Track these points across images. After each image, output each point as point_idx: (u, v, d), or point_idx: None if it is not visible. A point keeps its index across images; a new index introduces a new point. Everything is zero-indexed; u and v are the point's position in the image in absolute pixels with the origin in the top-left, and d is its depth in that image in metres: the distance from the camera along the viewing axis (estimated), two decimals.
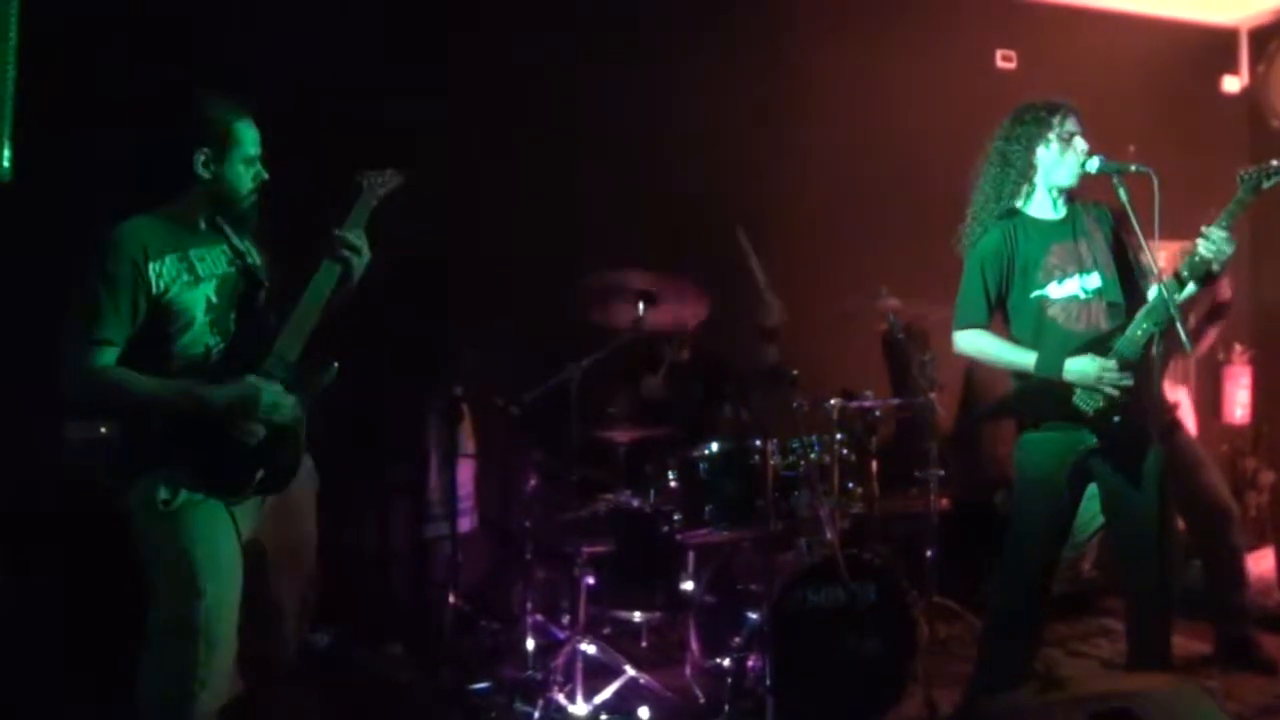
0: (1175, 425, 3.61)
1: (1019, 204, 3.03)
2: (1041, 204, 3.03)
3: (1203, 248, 2.75)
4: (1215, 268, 2.76)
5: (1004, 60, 5.41)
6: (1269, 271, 5.47)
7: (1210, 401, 5.60)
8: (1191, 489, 3.73)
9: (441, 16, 4.37)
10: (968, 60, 5.32)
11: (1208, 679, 3.44)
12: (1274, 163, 2.74)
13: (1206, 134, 5.63)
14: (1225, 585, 3.83)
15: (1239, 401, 5.48)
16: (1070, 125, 2.95)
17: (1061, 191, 3.01)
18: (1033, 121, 2.98)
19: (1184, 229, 4.64)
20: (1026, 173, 3.00)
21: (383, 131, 3.85)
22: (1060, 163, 2.95)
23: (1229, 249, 2.74)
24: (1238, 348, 5.49)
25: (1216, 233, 2.74)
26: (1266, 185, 2.75)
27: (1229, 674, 3.66)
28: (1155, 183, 2.67)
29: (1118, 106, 5.31)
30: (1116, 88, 5.40)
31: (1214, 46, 5.84)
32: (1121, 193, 2.81)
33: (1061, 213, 3.02)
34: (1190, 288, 2.81)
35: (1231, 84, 5.82)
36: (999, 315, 3.06)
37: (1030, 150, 2.98)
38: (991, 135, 3.10)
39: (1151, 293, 2.85)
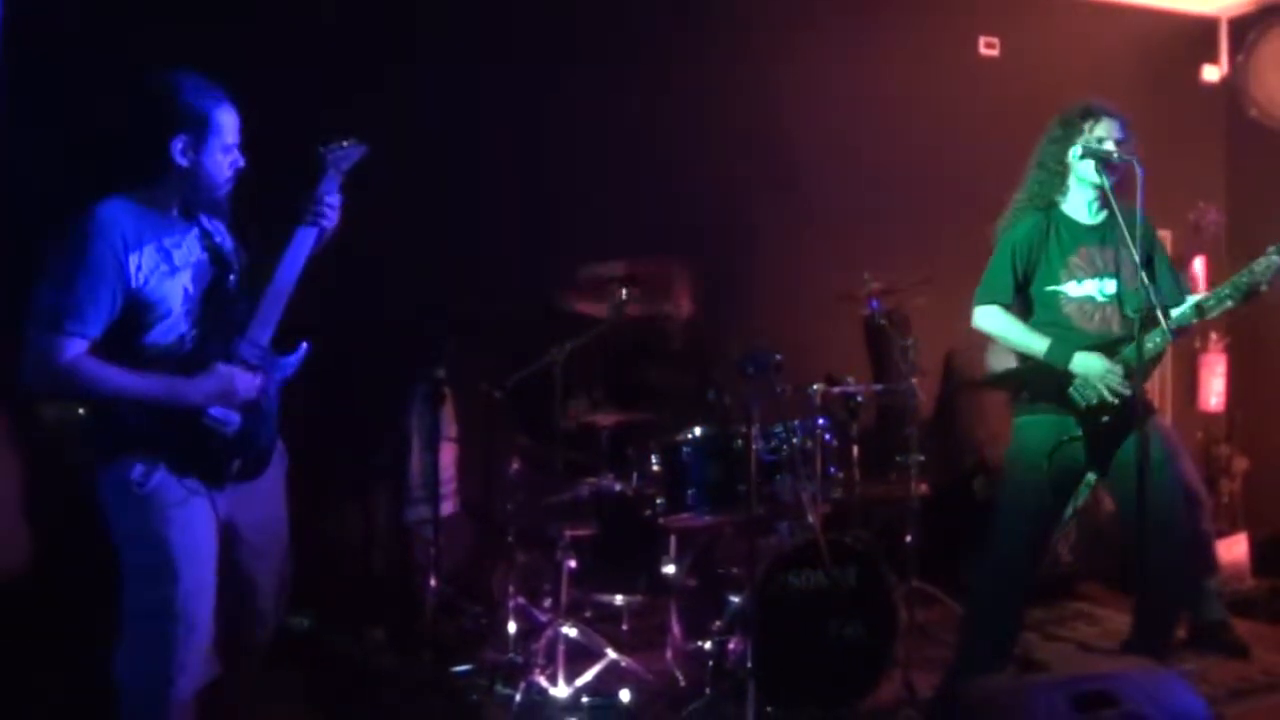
0: (1151, 411, 3.65)
1: (1058, 199, 3.11)
2: (1077, 204, 3.11)
3: (1259, 269, 2.88)
4: (1264, 288, 2.90)
5: (987, 47, 5.42)
6: (1244, 261, 5.51)
7: (1186, 389, 5.66)
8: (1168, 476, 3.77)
9: (441, 11, 4.33)
10: (951, 47, 5.32)
11: (1182, 662, 3.49)
12: None
13: (1186, 122, 5.67)
14: (1196, 570, 3.87)
15: (1214, 389, 5.53)
16: (1101, 130, 3.00)
17: (1097, 194, 3.07)
18: (1065, 124, 3.06)
19: (1163, 217, 4.69)
20: (1061, 173, 3.08)
21: (380, 123, 3.81)
22: (1088, 165, 3.01)
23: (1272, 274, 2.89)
24: (1213, 336, 5.54)
25: (1266, 262, 2.88)
26: None
27: (1202, 657, 3.71)
28: (1139, 173, 2.69)
29: (1099, 94, 5.31)
30: (1097, 75, 5.41)
31: (1194, 35, 5.87)
32: (1105, 180, 2.84)
33: (1097, 218, 3.10)
34: (1229, 303, 2.92)
35: (1211, 73, 5.86)
36: (1019, 301, 3.14)
37: (1063, 153, 3.06)
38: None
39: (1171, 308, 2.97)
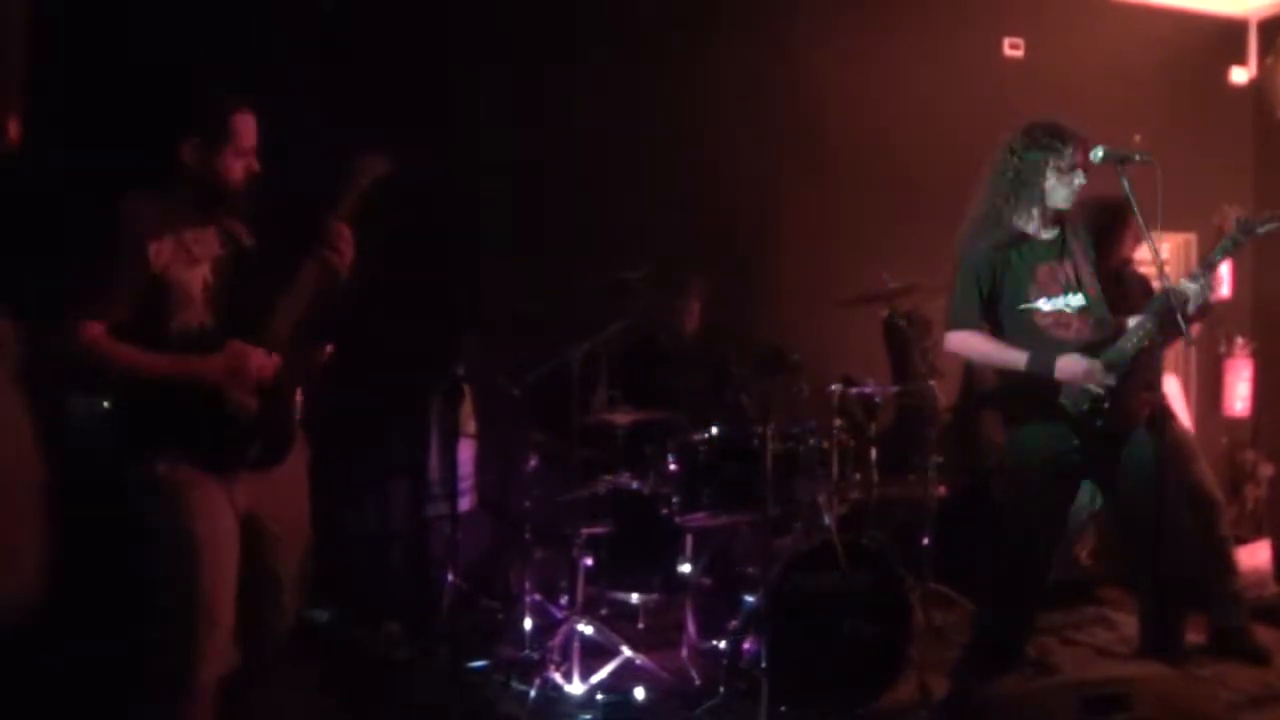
0: (1168, 415, 3.63)
1: (1014, 216, 3.07)
2: (1031, 221, 3.08)
3: (1178, 291, 2.84)
4: (1189, 309, 2.86)
5: (1012, 48, 5.39)
6: (1271, 264, 5.46)
7: (1210, 394, 5.60)
8: (1181, 480, 3.75)
9: (449, 10, 4.36)
10: (976, 48, 5.30)
11: (1201, 668, 3.46)
12: (1268, 214, 2.90)
13: (1213, 125, 5.61)
14: (1215, 575, 3.84)
15: (1239, 394, 5.48)
16: (1076, 155, 2.98)
17: (1054, 212, 3.07)
18: (1046, 148, 3.00)
19: (1189, 220, 4.64)
20: (1037, 197, 3.04)
21: (405, 122, 3.85)
22: (1059, 188, 3.02)
23: (1202, 297, 2.86)
24: (1239, 340, 5.49)
25: (1188, 285, 2.86)
26: (1260, 231, 2.90)
27: (1222, 663, 3.68)
28: (1159, 173, 2.68)
29: (1125, 96, 5.30)
30: (1124, 77, 5.38)
31: (1222, 37, 5.81)
32: (1124, 183, 2.82)
33: (1052, 234, 3.09)
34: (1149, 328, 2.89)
35: (1239, 75, 5.80)
36: (989, 322, 3.11)
37: (1042, 175, 3.02)
38: (999, 145, 3.11)
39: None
